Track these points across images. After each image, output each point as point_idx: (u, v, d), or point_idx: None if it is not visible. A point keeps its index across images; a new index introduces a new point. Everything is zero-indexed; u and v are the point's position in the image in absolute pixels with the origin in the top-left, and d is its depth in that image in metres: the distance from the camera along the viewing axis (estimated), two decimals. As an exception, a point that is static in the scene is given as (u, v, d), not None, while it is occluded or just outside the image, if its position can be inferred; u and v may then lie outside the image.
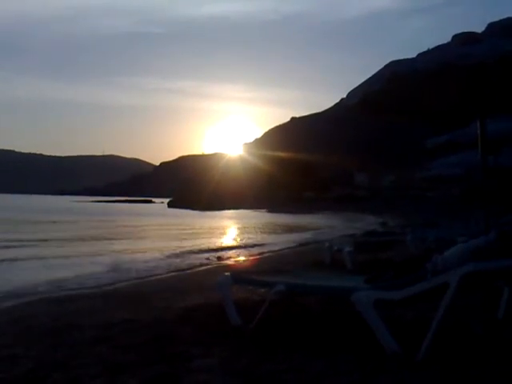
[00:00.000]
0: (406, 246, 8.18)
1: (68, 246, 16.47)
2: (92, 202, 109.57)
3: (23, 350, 3.40)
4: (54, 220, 33.13)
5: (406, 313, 3.82)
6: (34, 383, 2.73)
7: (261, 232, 24.27)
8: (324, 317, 4.04)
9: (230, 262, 11.66)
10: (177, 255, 12.97)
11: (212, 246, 16.53)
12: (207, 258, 12.16)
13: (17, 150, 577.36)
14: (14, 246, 15.41)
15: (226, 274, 4.07)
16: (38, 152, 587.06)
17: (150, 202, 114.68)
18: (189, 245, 16.67)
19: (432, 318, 2.92)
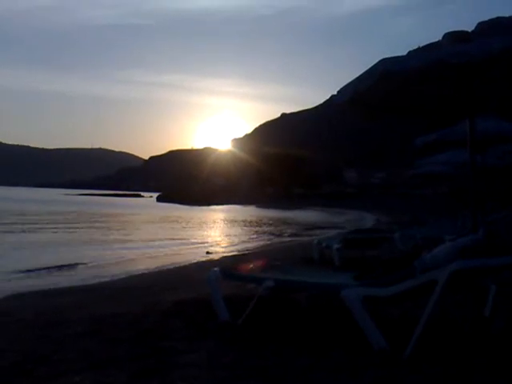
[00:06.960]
0: (394, 244, 8.19)
1: (42, 235, 16.31)
2: (79, 195, 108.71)
3: (7, 343, 3.36)
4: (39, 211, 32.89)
5: (394, 310, 3.83)
6: (19, 376, 2.69)
7: (250, 227, 24.26)
8: (312, 313, 4.05)
9: (220, 256, 11.65)
10: (166, 249, 12.94)
11: (201, 240, 16.52)
12: (196, 253, 12.15)
13: (3, 141, 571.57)
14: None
15: (215, 269, 4.05)
16: (25, 144, 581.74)
17: (139, 195, 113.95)
18: (178, 238, 16.64)
19: (420, 315, 2.93)
